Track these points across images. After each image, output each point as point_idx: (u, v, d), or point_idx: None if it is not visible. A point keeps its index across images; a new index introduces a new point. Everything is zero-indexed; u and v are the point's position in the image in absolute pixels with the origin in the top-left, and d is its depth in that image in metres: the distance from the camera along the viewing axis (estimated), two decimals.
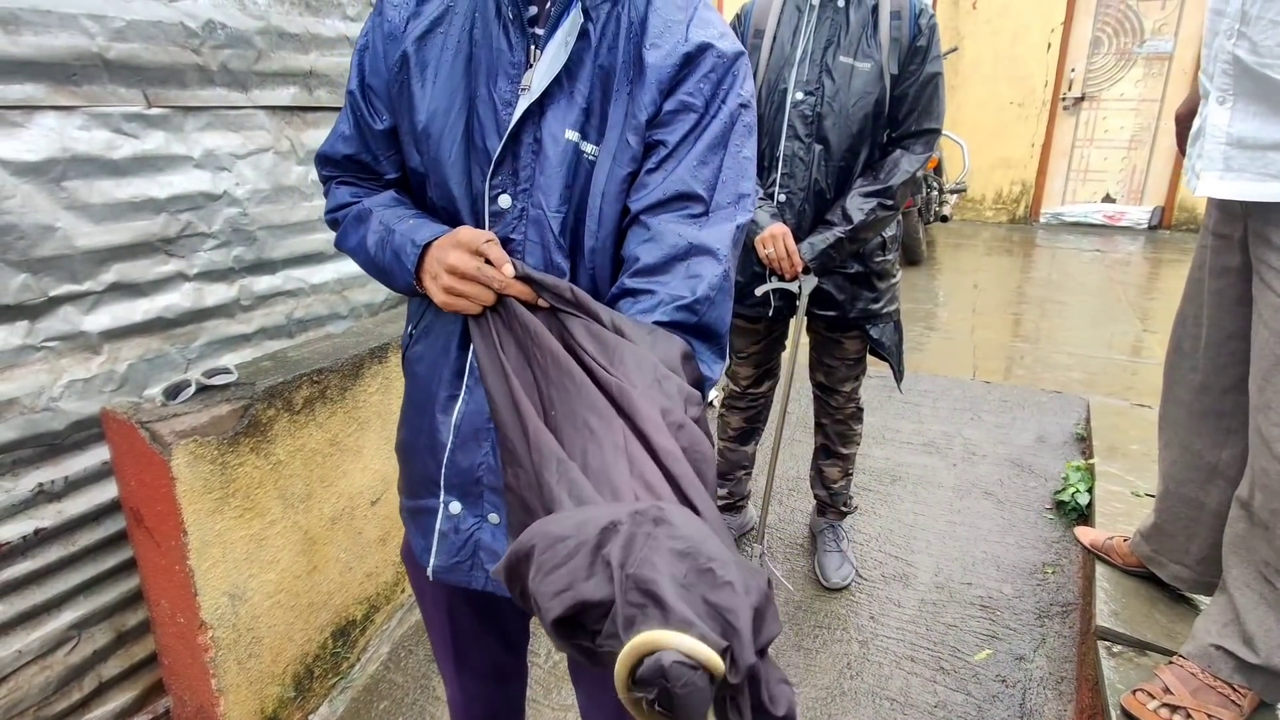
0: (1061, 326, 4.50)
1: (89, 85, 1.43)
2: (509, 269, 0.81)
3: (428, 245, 0.87)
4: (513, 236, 0.88)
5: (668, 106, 0.84)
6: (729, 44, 0.86)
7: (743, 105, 0.86)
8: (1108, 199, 7.22)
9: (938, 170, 5.86)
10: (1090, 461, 2.68)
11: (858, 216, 1.87)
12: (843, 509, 2.40)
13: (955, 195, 6.11)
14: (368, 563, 2.02)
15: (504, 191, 0.87)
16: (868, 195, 1.88)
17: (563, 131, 0.85)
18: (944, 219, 5.98)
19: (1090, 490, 2.53)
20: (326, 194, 1.03)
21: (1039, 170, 7.32)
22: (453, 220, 0.92)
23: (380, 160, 0.97)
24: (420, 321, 0.99)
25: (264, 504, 1.66)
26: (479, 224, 0.89)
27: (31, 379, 1.41)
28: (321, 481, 1.82)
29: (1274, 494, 1.37)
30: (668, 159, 0.84)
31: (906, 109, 1.87)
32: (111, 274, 1.51)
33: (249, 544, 1.64)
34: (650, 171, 0.85)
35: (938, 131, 1.92)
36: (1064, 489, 2.64)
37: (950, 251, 6.40)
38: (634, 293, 0.82)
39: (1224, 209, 1.51)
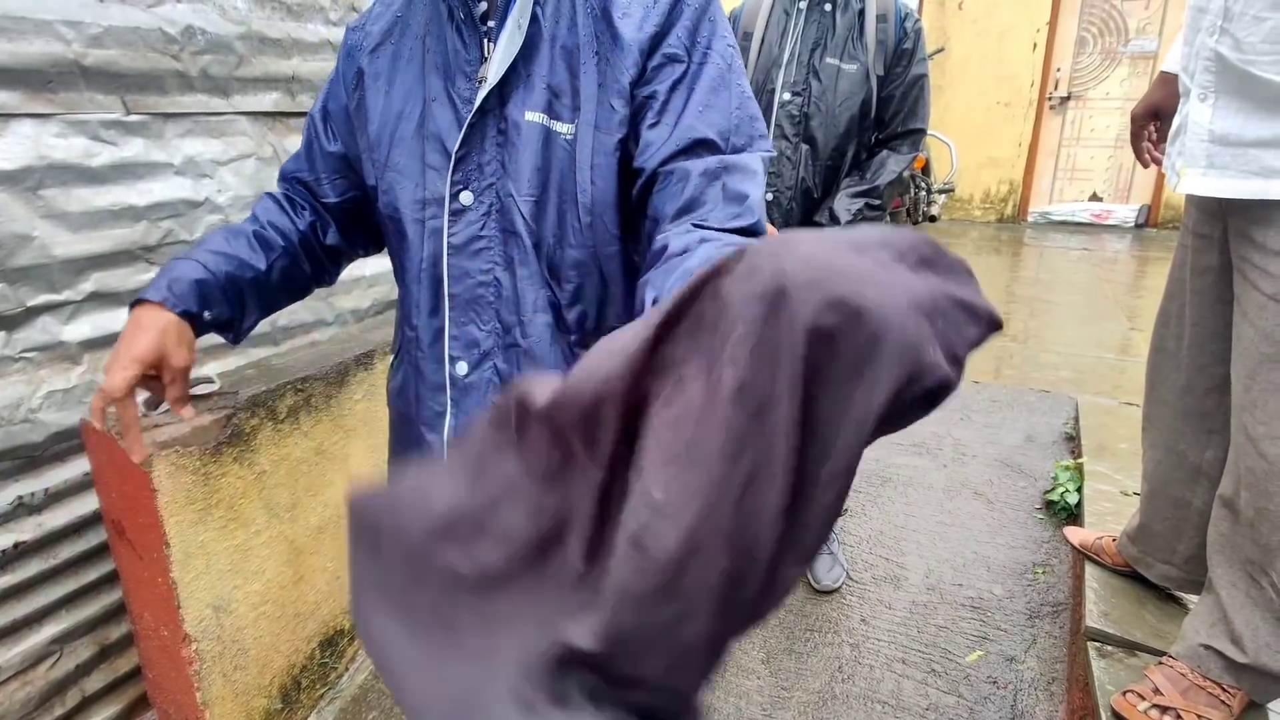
0: (1050, 325, 4.52)
1: (66, 92, 1.41)
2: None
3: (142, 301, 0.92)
4: (481, 234, 0.86)
5: (652, 64, 0.82)
6: None
7: (730, 46, 0.84)
8: (1095, 198, 7.26)
9: (925, 170, 5.87)
10: (1079, 461, 2.69)
11: (845, 217, 1.88)
12: None
13: (943, 195, 6.10)
14: None
15: (465, 188, 0.86)
16: (855, 195, 1.89)
17: (523, 115, 0.83)
18: (932, 219, 5.96)
19: (1079, 490, 2.54)
20: None
21: (1026, 169, 7.35)
22: (398, 231, 0.91)
23: (322, 181, 1.02)
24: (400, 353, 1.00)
25: (248, 514, 1.64)
26: (433, 233, 0.88)
27: (9, 390, 1.39)
28: (307, 490, 1.80)
29: (1260, 492, 1.37)
30: (665, 110, 0.81)
31: (893, 110, 1.89)
32: (90, 283, 1.49)
33: (233, 555, 1.62)
34: (651, 127, 0.81)
35: (923, 132, 1.94)
36: (1053, 489, 2.65)
37: None
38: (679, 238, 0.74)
39: (1203, 208, 1.51)
